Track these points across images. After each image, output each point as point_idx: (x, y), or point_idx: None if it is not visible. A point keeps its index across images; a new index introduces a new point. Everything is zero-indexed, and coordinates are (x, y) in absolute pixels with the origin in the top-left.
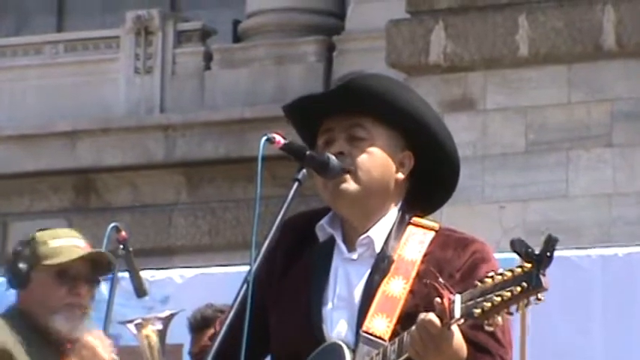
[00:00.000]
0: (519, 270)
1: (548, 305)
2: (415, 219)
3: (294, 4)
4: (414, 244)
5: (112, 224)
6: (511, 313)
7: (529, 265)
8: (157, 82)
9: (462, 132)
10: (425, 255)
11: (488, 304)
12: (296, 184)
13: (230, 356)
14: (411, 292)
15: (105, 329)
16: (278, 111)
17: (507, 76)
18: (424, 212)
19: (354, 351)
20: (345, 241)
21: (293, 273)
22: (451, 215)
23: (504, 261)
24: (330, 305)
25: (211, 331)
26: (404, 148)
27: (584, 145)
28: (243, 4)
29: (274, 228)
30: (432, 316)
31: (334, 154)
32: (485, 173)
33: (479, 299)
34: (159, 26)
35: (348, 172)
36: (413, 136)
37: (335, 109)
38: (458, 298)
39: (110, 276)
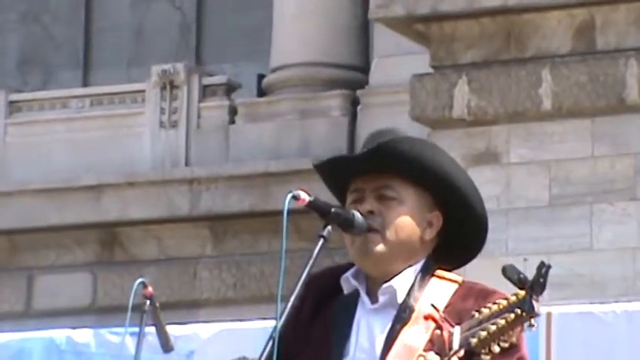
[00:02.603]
0: (514, 298)
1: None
2: (439, 272)
3: (318, 58)
4: (436, 295)
5: (139, 280)
6: (506, 341)
7: (523, 293)
8: (182, 136)
9: (485, 185)
10: (446, 306)
11: (484, 333)
12: (321, 241)
13: None
14: (430, 341)
15: None
16: (302, 165)
17: (531, 129)
18: (449, 267)
19: None
20: (368, 294)
21: (317, 325)
22: (475, 268)
23: None
24: (351, 357)
25: None
26: (432, 208)
27: (607, 199)
28: (268, 58)
29: (300, 284)
30: (431, 356)
31: (364, 213)
32: (509, 226)
33: (475, 329)
34: (184, 80)
35: (377, 231)
36: (442, 196)
37: (365, 169)
38: (457, 329)
39: (137, 331)
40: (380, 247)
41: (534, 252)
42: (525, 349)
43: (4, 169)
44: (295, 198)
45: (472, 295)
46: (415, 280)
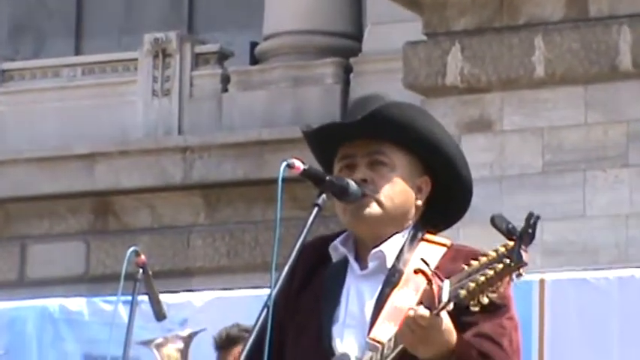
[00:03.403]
0: (502, 249)
1: (566, 326)
2: (428, 236)
3: (311, 26)
4: (426, 258)
5: (132, 248)
6: (494, 292)
7: (511, 243)
8: (174, 105)
9: (479, 153)
10: (436, 268)
11: (473, 285)
12: (316, 210)
13: None
14: (420, 303)
15: (125, 353)
16: (295, 133)
17: (524, 97)
18: (436, 230)
19: (360, 359)
20: (357, 260)
21: (307, 294)
22: (468, 235)
23: (521, 283)
24: (341, 323)
25: (237, 349)
26: (421, 174)
27: (600, 166)
28: (260, 26)
29: (294, 252)
30: (421, 310)
31: (358, 181)
32: (502, 194)
33: (464, 281)
34: (176, 49)
35: (371, 197)
36: (431, 162)
37: (356, 136)
38: (447, 283)
39: (130, 299)
40: (375, 212)
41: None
42: (515, 310)
43: None
44: (290, 166)
45: (461, 257)
46: (404, 245)
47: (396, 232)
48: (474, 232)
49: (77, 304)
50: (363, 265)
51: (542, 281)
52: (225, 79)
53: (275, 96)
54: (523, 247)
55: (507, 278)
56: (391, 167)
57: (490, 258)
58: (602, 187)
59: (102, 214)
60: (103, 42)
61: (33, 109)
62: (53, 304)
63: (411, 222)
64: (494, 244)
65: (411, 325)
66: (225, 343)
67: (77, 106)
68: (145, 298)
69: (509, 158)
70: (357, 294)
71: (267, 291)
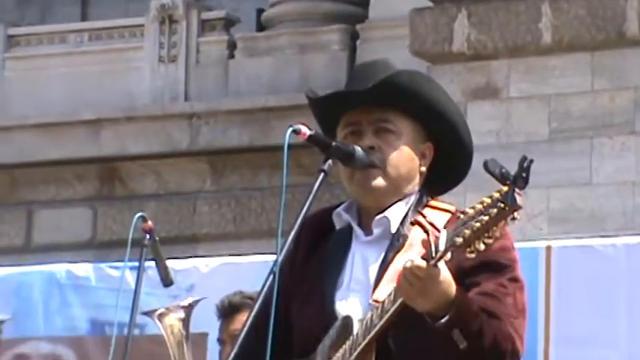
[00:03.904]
0: (497, 194)
1: (573, 293)
2: (432, 202)
3: None
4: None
5: (138, 214)
6: (490, 237)
7: (505, 188)
8: (181, 71)
9: (485, 120)
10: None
11: (469, 231)
12: (322, 175)
13: (257, 347)
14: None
15: (132, 318)
16: (301, 99)
17: (531, 64)
18: (436, 195)
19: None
20: (361, 226)
21: (311, 264)
22: (474, 201)
23: (528, 250)
24: (346, 289)
25: (240, 317)
26: (425, 140)
27: (607, 133)
28: None
29: (300, 218)
30: (417, 260)
31: (364, 148)
32: (508, 161)
33: (460, 228)
34: (183, 15)
35: (378, 167)
36: (435, 128)
37: (363, 103)
38: (443, 232)
39: (137, 265)
40: (381, 183)
41: (534, 186)
42: (520, 273)
43: (3, 104)
44: (296, 132)
45: None
46: (409, 210)
47: (401, 199)
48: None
49: (84, 269)
50: (367, 231)
51: (548, 248)
52: (232, 46)
53: (281, 62)
54: (517, 190)
55: (502, 223)
56: (397, 135)
57: (485, 204)
58: (609, 155)
59: (108, 180)
60: (110, 8)
61: (39, 75)
62: (60, 269)
63: (415, 188)
64: None
65: (408, 277)
66: (228, 310)
67: (83, 72)
68: (152, 264)
69: (516, 125)
70: (361, 259)
71: (273, 257)
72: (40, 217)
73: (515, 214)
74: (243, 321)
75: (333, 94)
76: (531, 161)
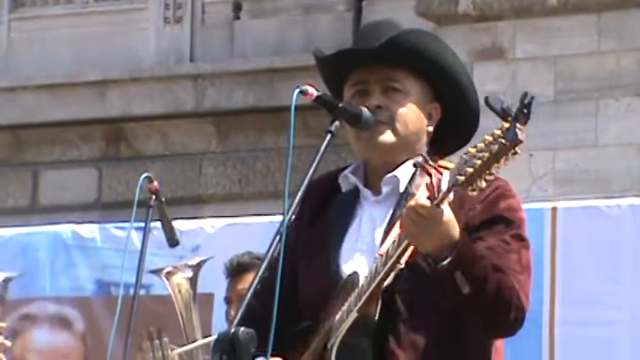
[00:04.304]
0: (498, 131)
1: (578, 254)
2: (441, 162)
3: None
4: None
5: (144, 175)
6: (491, 174)
7: (506, 125)
8: (186, 32)
9: (491, 81)
10: (447, 191)
11: (470, 169)
12: (329, 136)
13: (263, 307)
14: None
15: (138, 279)
16: (307, 60)
17: (537, 24)
18: (443, 155)
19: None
20: (368, 187)
21: (317, 226)
22: None
23: (533, 211)
24: (352, 250)
25: (248, 277)
26: (432, 100)
27: (613, 94)
28: None
29: (306, 179)
30: (421, 199)
31: (373, 107)
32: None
33: (462, 167)
34: None
35: (386, 124)
36: (442, 88)
37: (371, 62)
38: (446, 174)
39: (143, 226)
40: (389, 139)
41: (539, 148)
42: (526, 232)
43: (8, 65)
44: (303, 93)
45: None
46: (417, 170)
47: (408, 159)
48: None
49: (89, 230)
50: (374, 192)
51: (554, 209)
52: (237, 7)
53: (287, 24)
54: (519, 126)
55: (504, 158)
56: (405, 94)
57: (486, 142)
58: (615, 116)
59: (114, 141)
60: None
61: (45, 36)
62: (66, 230)
63: (422, 148)
64: (506, 172)
65: (411, 216)
66: (236, 270)
67: (89, 32)
68: (158, 224)
69: (521, 86)
70: (369, 220)
71: (279, 218)
72: (46, 178)
73: (517, 148)
74: (250, 281)
75: (341, 51)
76: (532, 98)
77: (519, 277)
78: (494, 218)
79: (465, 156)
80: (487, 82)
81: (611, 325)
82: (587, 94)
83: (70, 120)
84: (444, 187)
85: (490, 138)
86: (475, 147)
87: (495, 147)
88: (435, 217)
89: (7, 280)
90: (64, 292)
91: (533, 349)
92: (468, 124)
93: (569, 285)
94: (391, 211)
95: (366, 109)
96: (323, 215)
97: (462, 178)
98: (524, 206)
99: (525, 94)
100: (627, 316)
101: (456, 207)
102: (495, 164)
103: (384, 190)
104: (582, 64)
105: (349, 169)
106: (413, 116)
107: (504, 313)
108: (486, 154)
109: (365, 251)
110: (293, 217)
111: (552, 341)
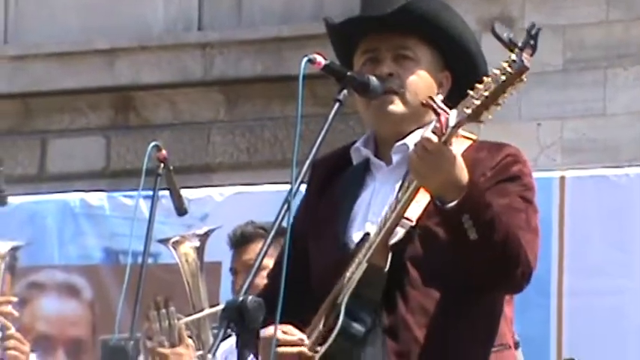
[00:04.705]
0: (505, 63)
1: (586, 223)
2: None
3: None
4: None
5: (153, 143)
6: (498, 104)
7: (513, 56)
8: (194, 0)
9: (499, 50)
10: None
11: (478, 101)
12: (337, 105)
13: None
14: None
15: (146, 247)
16: (315, 29)
17: None
18: None
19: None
20: (378, 157)
21: (325, 201)
22: (488, 133)
23: (542, 180)
24: (362, 221)
25: (253, 247)
26: (443, 68)
27: (621, 64)
28: None
29: (314, 148)
30: (428, 133)
31: (384, 75)
32: (522, 91)
33: (469, 101)
34: None
35: (396, 93)
36: (453, 56)
37: (382, 30)
38: (454, 111)
39: (151, 194)
40: (399, 108)
41: (547, 117)
42: (535, 200)
43: (17, 33)
44: (311, 61)
45: (485, 148)
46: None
47: (418, 128)
48: (493, 131)
49: (98, 198)
50: (386, 162)
51: (562, 178)
52: None
53: None
54: (525, 55)
55: (510, 87)
56: (416, 61)
57: (493, 75)
58: (623, 85)
59: (122, 109)
60: None
61: (53, 3)
62: (74, 198)
63: (433, 116)
64: (514, 142)
65: (419, 151)
66: (241, 240)
67: (98, 0)
68: (166, 193)
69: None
70: (380, 190)
71: (287, 187)
72: (54, 146)
73: (523, 76)
74: (256, 251)
75: (352, 19)
76: (539, 29)
77: (527, 236)
78: (504, 180)
79: (471, 92)
80: (496, 51)
81: (620, 294)
82: (595, 64)
83: (78, 88)
84: (452, 122)
85: (497, 72)
86: (482, 82)
87: (502, 78)
88: (441, 153)
89: (15, 249)
90: (72, 261)
91: (542, 320)
92: None
93: (577, 254)
94: (401, 180)
95: (374, 78)
96: (330, 189)
97: (469, 111)
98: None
99: (532, 25)
100: (636, 285)
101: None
102: (502, 94)
103: (395, 158)
104: (591, 33)
105: (359, 141)
106: (423, 85)
107: (511, 266)
108: (494, 86)
109: (375, 222)
110: (303, 188)
111: (560, 311)
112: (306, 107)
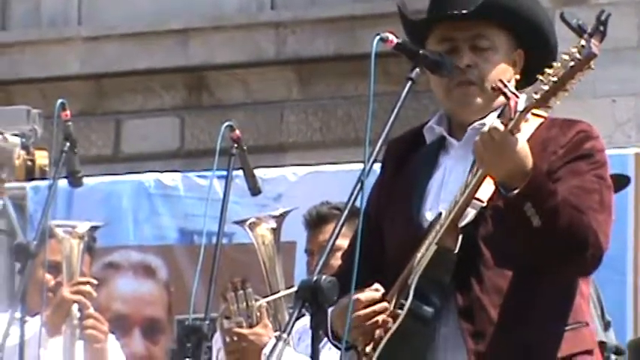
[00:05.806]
0: (574, 49)
1: None
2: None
3: None
4: (522, 128)
5: (226, 123)
6: (566, 90)
7: (582, 43)
8: None
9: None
10: (530, 137)
11: (546, 87)
12: (409, 83)
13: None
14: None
15: (220, 227)
16: (388, 7)
17: None
18: None
19: None
20: (452, 136)
21: (400, 180)
22: (562, 110)
23: (617, 157)
24: (435, 200)
25: (328, 227)
26: (516, 47)
27: None
28: None
29: (387, 126)
30: (495, 122)
31: (464, 67)
32: (597, 68)
33: (538, 87)
34: None
35: (475, 84)
36: (526, 36)
37: (457, 19)
38: (523, 95)
39: (225, 175)
40: (479, 100)
41: (622, 93)
42: (607, 174)
43: (91, 14)
44: (383, 40)
45: (556, 125)
46: (500, 114)
47: (494, 110)
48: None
49: (172, 179)
50: (459, 139)
51: (637, 155)
52: None
53: None
54: (594, 41)
55: (579, 74)
56: (494, 50)
57: (562, 61)
58: None
59: (196, 89)
60: None
61: None
62: (148, 179)
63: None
64: (589, 118)
65: (484, 139)
66: (316, 221)
67: None
68: (240, 172)
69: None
70: (453, 167)
71: (360, 166)
72: (128, 127)
73: (591, 63)
74: (330, 232)
75: (430, 18)
76: (609, 15)
77: (599, 217)
78: (576, 158)
79: (540, 77)
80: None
81: None
82: None
83: (152, 69)
84: (521, 107)
85: (566, 57)
86: (551, 66)
87: (571, 64)
88: (507, 142)
89: (93, 229)
90: (147, 241)
91: (618, 297)
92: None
93: None
94: (472, 159)
95: (445, 55)
96: (405, 168)
97: (538, 96)
98: (607, 152)
99: (602, 12)
100: None
101: (538, 151)
102: (571, 80)
103: (468, 134)
104: None
105: (433, 120)
106: (501, 72)
107: (578, 250)
108: (562, 72)
109: (448, 201)
110: (376, 167)
111: (637, 288)
112: (378, 85)
